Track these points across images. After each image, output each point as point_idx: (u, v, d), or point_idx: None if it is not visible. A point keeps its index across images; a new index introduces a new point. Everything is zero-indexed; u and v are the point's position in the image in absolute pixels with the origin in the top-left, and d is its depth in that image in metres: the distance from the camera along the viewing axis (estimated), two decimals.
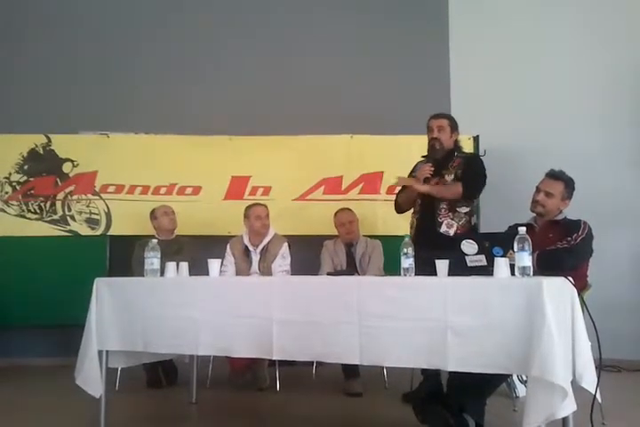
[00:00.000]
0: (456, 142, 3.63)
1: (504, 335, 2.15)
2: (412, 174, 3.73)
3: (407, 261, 2.61)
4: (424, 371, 3.29)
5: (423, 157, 3.67)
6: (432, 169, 3.49)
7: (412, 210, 3.70)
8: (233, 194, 5.07)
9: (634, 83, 4.93)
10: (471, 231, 3.45)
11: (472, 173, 3.49)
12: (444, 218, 3.45)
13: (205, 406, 3.63)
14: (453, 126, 3.60)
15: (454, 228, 3.42)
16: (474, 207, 3.56)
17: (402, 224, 3.86)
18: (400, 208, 3.79)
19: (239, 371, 4.06)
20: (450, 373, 2.65)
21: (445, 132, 3.55)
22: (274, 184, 5.07)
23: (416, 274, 2.63)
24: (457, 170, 3.50)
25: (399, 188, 3.84)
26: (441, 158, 3.54)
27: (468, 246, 2.53)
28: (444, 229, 3.43)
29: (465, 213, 3.47)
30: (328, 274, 3.70)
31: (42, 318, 4.78)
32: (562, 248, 3.01)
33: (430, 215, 3.48)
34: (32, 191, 5.04)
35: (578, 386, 2.23)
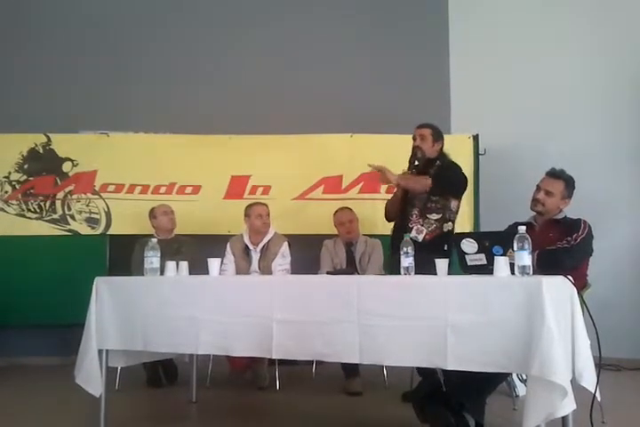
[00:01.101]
0: (441, 152, 3.66)
1: (504, 334, 2.15)
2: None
3: (407, 261, 2.61)
4: (421, 370, 3.29)
5: (408, 168, 3.71)
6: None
7: None
8: (233, 193, 5.07)
9: (633, 82, 4.93)
10: (441, 238, 3.48)
11: (445, 173, 3.55)
12: (415, 224, 3.53)
13: (205, 406, 3.63)
14: (436, 136, 3.64)
15: (423, 234, 3.50)
16: (449, 215, 3.57)
17: None
18: (388, 215, 3.84)
19: (239, 370, 4.07)
20: (445, 372, 2.65)
21: (427, 142, 3.61)
22: (273, 183, 5.08)
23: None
24: (433, 175, 3.55)
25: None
26: (422, 167, 3.59)
27: (468, 245, 2.53)
28: (413, 234, 3.49)
29: (435, 220, 3.53)
30: (328, 273, 3.69)
31: (41, 317, 4.79)
32: (562, 248, 3.00)
33: (404, 221, 3.58)
34: (32, 191, 5.05)
35: (577, 385, 2.22)
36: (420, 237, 3.49)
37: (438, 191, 3.52)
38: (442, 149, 3.67)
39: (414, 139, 3.65)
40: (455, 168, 3.65)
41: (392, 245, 3.51)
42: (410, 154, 3.63)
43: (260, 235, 4.13)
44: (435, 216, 3.53)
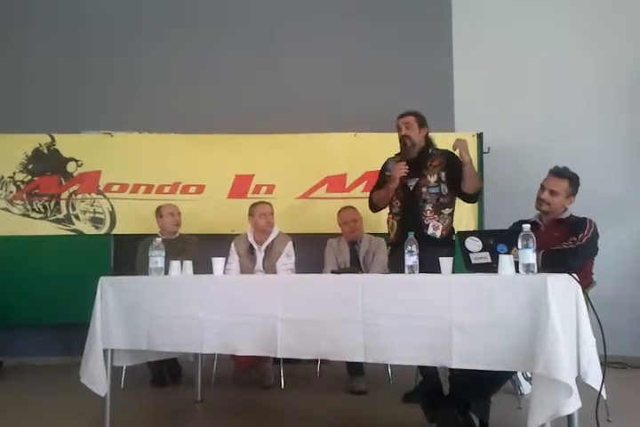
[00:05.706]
0: (427, 138, 3.57)
1: (508, 332, 2.14)
2: (383, 173, 3.70)
3: (411, 259, 2.60)
4: (422, 371, 3.28)
5: (396, 155, 3.63)
6: (407, 168, 3.43)
7: (387, 211, 3.66)
8: (236, 192, 5.08)
9: (633, 81, 4.93)
10: (453, 233, 3.45)
11: (457, 168, 3.44)
12: (430, 220, 3.42)
13: (210, 405, 3.63)
14: (420, 122, 3.56)
15: (440, 229, 3.41)
16: (454, 208, 3.54)
17: None
18: (375, 207, 3.75)
19: (243, 369, 4.07)
20: (450, 371, 2.65)
21: (413, 129, 3.52)
22: (277, 182, 5.08)
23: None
24: (439, 171, 3.46)
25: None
26: (416, 156, 3.51)
27: (473, 244, 2.53)
28: (430, 231, 3.40)
29: (448, 215, 3.47)
30: (332, 272, 3.69)
31: (46, 316, 4.80)
32: (567, 249, 2.98)
33: (415, 217, 3.43)
34: (36, 191, 5.06)
35: (583, 383, 2.22)
36: (438, 234, 3.39)
37: (455, 185, 3.44)
38: (427, 134, 3.58)
39: (399, 129, 3.55)
40: (459, 160, 3.56)
41: (398, 244, 3.22)
42: (399, 146, 3.55)
43: (265, 234, 4.13)
44: (447, 211, 3.46)
